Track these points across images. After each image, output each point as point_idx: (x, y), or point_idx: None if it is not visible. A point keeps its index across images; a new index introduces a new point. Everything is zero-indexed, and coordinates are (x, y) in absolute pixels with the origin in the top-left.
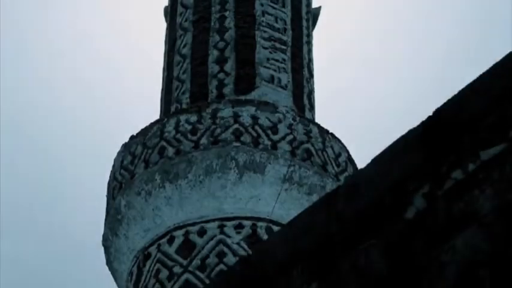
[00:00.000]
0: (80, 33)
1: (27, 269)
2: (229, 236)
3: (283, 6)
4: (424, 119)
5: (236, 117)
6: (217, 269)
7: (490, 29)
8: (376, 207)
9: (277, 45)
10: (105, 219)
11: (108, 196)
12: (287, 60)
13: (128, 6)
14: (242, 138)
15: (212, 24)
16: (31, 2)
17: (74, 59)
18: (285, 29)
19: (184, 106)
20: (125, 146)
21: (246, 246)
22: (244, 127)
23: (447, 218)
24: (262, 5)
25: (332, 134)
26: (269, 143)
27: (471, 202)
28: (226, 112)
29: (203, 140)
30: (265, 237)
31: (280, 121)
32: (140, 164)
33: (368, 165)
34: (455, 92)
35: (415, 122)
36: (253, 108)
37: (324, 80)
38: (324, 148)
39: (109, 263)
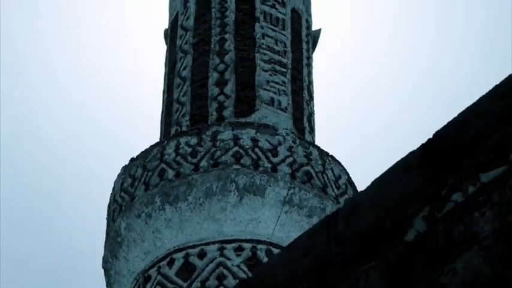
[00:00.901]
0: (78, 54)
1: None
2: (229, 259)
3: (283, 28)
4: (424, 142)
5: (236, 139)
6: None
7: (491, 53)
8: (376, 230)
9: (277, 67)
10: (105, 242)
11: (108, 218)
12: (287, 82)
13: (127, 29)
14: (242, 161)
15: (212, 46)
16: (29, 24)
17: (73, 79)
18: (285, 52)
19: (184, 128)
20: (125, 169)
21: (246, 269)
22: (244, 149)
23: (447, 241)
24: (262, 27)
25: (332, 157)
26: (269, 165)
27: (471, 225)
28: (226, 135)
29: (203, 163)
30: (265, 259)
31: (280, 143)
32: (140, 186)
33: (368, 188)
34: (456, 115)
35: (415, 144)
36: (253, 131)
37: (324, 103)
38: (324, 170)
39: (109, 285)
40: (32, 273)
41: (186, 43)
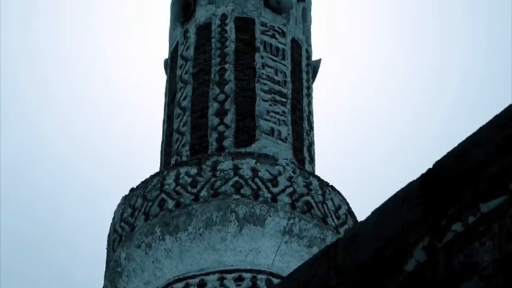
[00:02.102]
0: (78, 84)
1: None
2: None
3: (283, 58)
4: (423, 172)
5: (236, 169)
6: None
7: (491, 82)
8: (376, 260)
9: (277, 97)
10: (105, 272)
11: (108, 248)
12: (287, 112)
13: (127, 58)
14: (242, 191)
15: (212, 76)
16: (29, 54)
17: (73, 109)
18: (285, 82)
19: (184, 158)
20: (125, 199)
21: None
22: (244, 180)
23: (447, 271)
24: (262, 57)
25: (332, 187)
26: (269, 195)
27: (471, 254)
28: (226, 165)
29: (203, 193)
30: None
31: (280, 174)
32: (140, 216)
33: (368, 218)
34: (456, 145)
35: (415, 174)
36: (253, 161)
37: (324, 133)
38: (324, 201)
39: None
40: None
41: (186, 73)
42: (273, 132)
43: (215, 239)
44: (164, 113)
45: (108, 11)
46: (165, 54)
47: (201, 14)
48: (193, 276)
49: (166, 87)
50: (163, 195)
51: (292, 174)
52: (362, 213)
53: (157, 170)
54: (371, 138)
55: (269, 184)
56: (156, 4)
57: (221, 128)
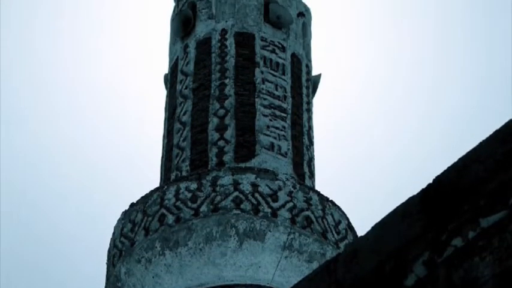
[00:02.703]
0: (78, 99)
1: None
2: None
3: (283, 73)
4: (423, 187)
5: (236, 184)
6: None
7: (492, 97)
8: (376, 275)
9: (277, 112)
10: (105, 287)
11: (108, 263)
12: (287, 127)
13: (127, 74)
14: (242, 206)
15: (212, 91)
16: (29, 71)
17: (73, 125)
18: (285, 97)
19: (184, 173)
20: (125, 214)
21: None
22: (244, 195)
23: (447, 286)
24: (262, 72)
25: (332, 202)
26: (269, 210)
27: (471, 269)
28: (226, 180)
29: (203, 208)
30: None
31: (280, 189)
32: (140, 231)
33: (368, 233)
34: (456, 160)
35: (415, 189)
36: (253, 176)
37: (324, 148)
38: (324, 215)
39: None
40: None
41: (186, 88)
42: (273, 147)
43: (215, 254)
44: (164, 128)
45: (108, 26)
46: (165, 69)
47: (201, 29)
48: None
49: (166, 102)
50: (164, 210)
51: (292, 189)
52: (362, 228)
53: (158, 185)
54: (371, 153)
55: (269, 199)
56: (156, 19)
57: (221, 143)
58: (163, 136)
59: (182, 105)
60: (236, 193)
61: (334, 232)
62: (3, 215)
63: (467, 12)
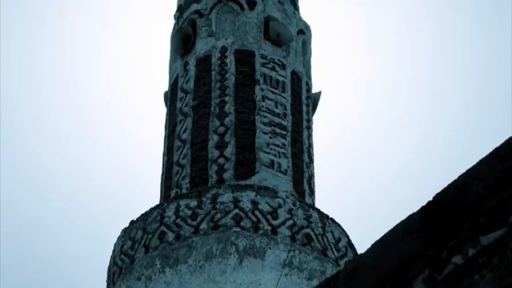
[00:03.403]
0: (78, 117)
1: None
2: None
3: (283, 91)
4: (423, 204)
5: (236, 202)
6: None
7: (491, 115)
8: None
9: (277, 130)
10: None
11: (108, 281)
12: (287, 145)
13: (127, 91)
14: (242, 223)
15: (212, 109)
16: (29, 90)
17: (72, 143)
18: (285, 114)
19: (184, 191)
20: (125, 231)
21: None
22: (244, 212)
23: None
24: (262, 90)
25: (332, 219)
26: (269, 228)
27: (471, 287)
28: (226, 197)
29: (203, 225)
30: None
31: (280, 206)
32: (140, 249)
33: (368, 250)
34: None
35: (415, 206)
36: (253, 193)
37: (324, 165)
38: (324, 233)
39: None
40: None
41: (186, 106)
42: (273, 165)
43: (215, 272)
44: (164, 145)
45: (108, 44)
46: (165, 86)
47: (201, 47)
48: None
49: (166, 120)
50: (164, 228)
51: (292, 206)
52: (362, 245)
53: (157, 202)
54: (371, 171)
55: (269, 217)
56: (156, 36)
57: (221, 160)
58: (163, 154)
59: (182, 122)
60: (236, 210)
61: (334, 249)
62: (4, 235)
63: (467, 29)
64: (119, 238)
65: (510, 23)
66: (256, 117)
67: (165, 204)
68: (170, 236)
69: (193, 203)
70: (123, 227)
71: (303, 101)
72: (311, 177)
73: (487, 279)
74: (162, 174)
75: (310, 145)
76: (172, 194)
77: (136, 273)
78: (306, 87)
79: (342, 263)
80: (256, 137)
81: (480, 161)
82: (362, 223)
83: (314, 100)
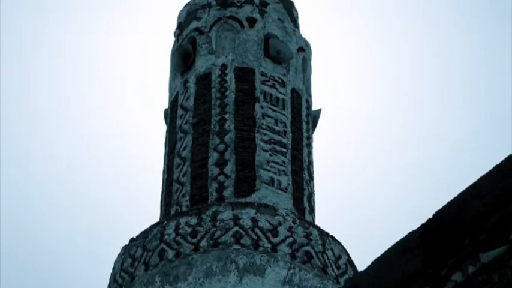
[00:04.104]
0: (78, 134)
1: None
2: None
3: (283, 108)
4: (423, 222)
5: (236, 219)
6: None
7: (491, 132)
8: None
9: (277, 147)
10: None
11: None
12: (287, 162)
13: (127, 109)
14: (242, 241)
15: (212, 126)
16: (29, 106)
17: (73, 160)
18: (285, 132)
19: (184, 208)
20: (125, 249)
21: None
22: (244, 230)
23: None
24: (262, 107)
25: (332, 237)
26: (269, 245)
27: None
28: (226, 215)
29: (203, 243)
30: None
31: (280, 224)
32: (140, 266)
33: (368, 268)
34: (455, 195)
35: (415, 224)
36: (253, 211)
37: (324, 183)
38: (324, 250)
39: None
40: None
41: (186, 123)
42: (273, 182)
43: None
44: (164, 163)
45: (108, 61)
46: (165, 104)
47: (201, 64)
48: None
49: (166, 137)
50: (164, 245)
51: (292, 224)
52: (362, 263)
53: (158, 220)
54: (371, 188)
55: (269, 234)
56: (156, 54)
57: (221, 178)
58: (163, 171)
59: (182, 140)
60: (236, 228)
61: (334, 267)
62: (5, 254)
63: (466, 49)
64: (119, 255)
65: (510, 42)
66: (256, 134)
67: (165, 222)
68: (170, 253)
69: (194, 221)
70: (123, 245)
71: (303, 119)
72: (311, 194)
73: None
74: (162, 192)
75: (310, 162)
76: (173, 211)
77: None
78: (306, 105)
79: (342, 280)
80: (256, 155)
81: (480, 178)
82: (362, 240)
83: (314, 117)
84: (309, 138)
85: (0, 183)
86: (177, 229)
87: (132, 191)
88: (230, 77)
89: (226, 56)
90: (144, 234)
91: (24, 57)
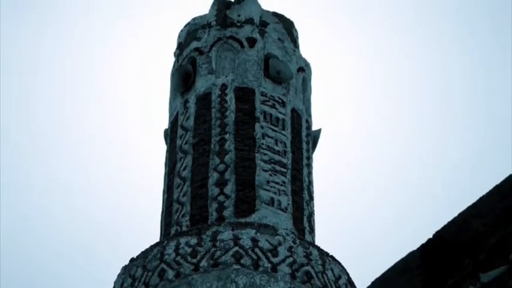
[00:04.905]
0: (78, 154)
1: None
2: None
3: (283, 128)
4: (423, 242)
5: (236, 239)
6: None
7: (491, 153)
8: None
9: (277, 167)
10: None
11: None
12: (287, 182)
13: (127, 129)
14: (242, 261)
15: (212, 146)
16: (28, 127)
17: (73, 180)
18: (285, 152)
19: (184, 228)
20: (125, 269)
21: None
22: (244, 250)
23: None
24: (262, 127)
25: (332, 257)
26: (269, 265)
27: None
28: (226, 235)
29: (203, 263)
30: None
31: (280, 244)
32: (140, 286)
33: None
34: (455, 215)
35: (415, 244)
36: (253, 231)
37: (324, 203)
38: (324, 271)
39: None
40: None
41: (186, 143)
42: (273, 202)
43: None
44: (164, 183)
45: (108, 81)
46: (165, 124)
47: (201, 84)
48: None
49: (166, 158)
50: (164, 266)
51: (292, 244)
52: (362, 283)
53: (157, 240)
54: (371, 208)
55: (269, 254)
56: (156, 74)
57: (221, 198)
58: (163, 191)
59: (182, 160)
60: (236, 248)
61: (334, 287)
62: (5, 275)
63: (466, 69)
64: (119, 276)
65: (510, 60)
66: (256, 154)
67: (165, 242)
68: (170, 273)
69: (193, 241)
70: (123, 265)
71: (303, 139)
72: (311, 214)
73: None
74: (162, 212)
75: (310, 182)
76: (172, 231)
77: None
78: (306, 125)
79: None
80: (256, 175)
81: (480, 198)
82: (362, 260)
83: (314, 138)
84: (309, 158)
85: (0, 205)
86: (177, 249)
87: (131, 210)
88: (230, 97)
89: (226, 76)
90: (144, 254)
91: (24, 77)
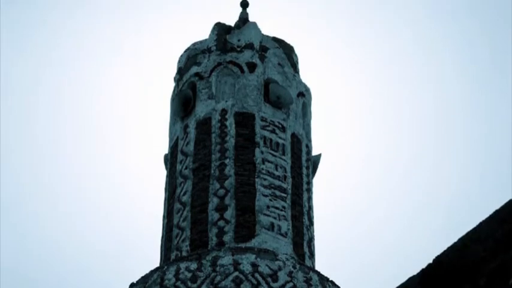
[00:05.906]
0: (78, 180)
1: None
2: None
3: (283, 153)
4: (423, 267)
5: (236, 264)
6: None
7: (491, 177)
8: None
9: (277, 192)
10: None
11: None
12: (287, 207)
13: (127, 154)
14: (242, 286)
15: (212, 171)
16: (29, 153)
17: (73, 205)
18: (285, 177)
19: (184, 253)
20: None
21: None
22: (244, 275)
23: None
24: (262, 152)
25: (332, 282)
26: None
27: None
28: (226, 260)
29: None
30: None
31: (280, 269)
32: None
33: None
34: (455, 240)
35: (415, 269)
36: (253, 256)
37: (324, 228)
38: None
39: None
40: None
41: (186, 168)
42: (273, 227)
43: None
44: (164, 208)
45: (108, 106)
46: (165, 149)
47: (201, 109)
48: None
49: (166, 182)
50: None
51: (292, 269)
52: None
53: (158, 265)
54: (371, 233)
55: (269, 279)
56: (156, 99)
57: (221, 223)
58: (164, 216)
59: (182, 185)
60: (236, 273)
61: None
62: None
63: (466, 94)
64: None
65: (510, 86)
66: (256, 179)
67: (165, 267)
68: None
69: (194, 266)
70: None
71: (303, 164)
72: (311, 239)
73: None
74: (162, 237)
75: (310, 207)
76: (173, 256)
77: None
78: (306, 150)
79: None
80: (256, 200)
81: (480, 223)
82: (362, 286)
83: (314, 162)
84: (309, 183)
85: (2, 231)
86: (177, 274)
87: (131, 235)
88: (230, 122)
89: (226, 101)
90: (144, 279)
91: (24, 101)
